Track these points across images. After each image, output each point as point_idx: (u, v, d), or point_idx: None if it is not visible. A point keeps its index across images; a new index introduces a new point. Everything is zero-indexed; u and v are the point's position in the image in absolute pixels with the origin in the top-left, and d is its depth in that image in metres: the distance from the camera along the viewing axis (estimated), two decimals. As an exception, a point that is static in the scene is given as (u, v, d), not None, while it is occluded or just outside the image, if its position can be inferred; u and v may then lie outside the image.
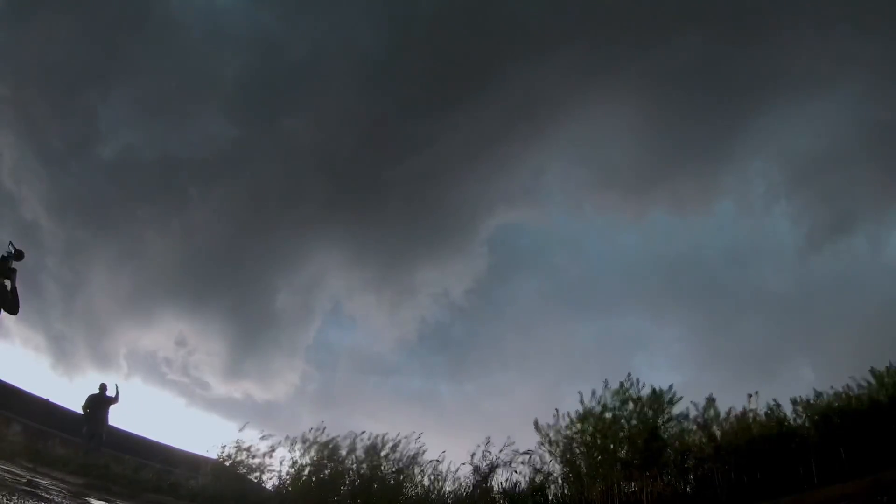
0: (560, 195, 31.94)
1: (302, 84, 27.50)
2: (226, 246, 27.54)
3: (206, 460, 10.41)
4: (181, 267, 27.12)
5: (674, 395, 7.62)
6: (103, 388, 12.17)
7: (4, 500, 4.82)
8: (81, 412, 12.06)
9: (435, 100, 26.61)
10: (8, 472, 7.68)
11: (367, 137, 26.74)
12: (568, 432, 8.07)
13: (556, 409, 8.21)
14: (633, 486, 7.48)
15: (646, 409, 7.66)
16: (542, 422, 8.28)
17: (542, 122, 26.97)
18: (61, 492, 6.97)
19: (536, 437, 8.26)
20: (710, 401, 7.55)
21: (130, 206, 27.03)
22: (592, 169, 29.03)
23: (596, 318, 32.26)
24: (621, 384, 7.94)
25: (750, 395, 7.33)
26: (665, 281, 29.85)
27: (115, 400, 12.14)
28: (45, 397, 15.47)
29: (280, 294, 28.94)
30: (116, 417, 12.96)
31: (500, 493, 8.36)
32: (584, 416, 7.93)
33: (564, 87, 26.14)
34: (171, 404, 30.82)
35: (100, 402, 12.02)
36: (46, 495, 6.24)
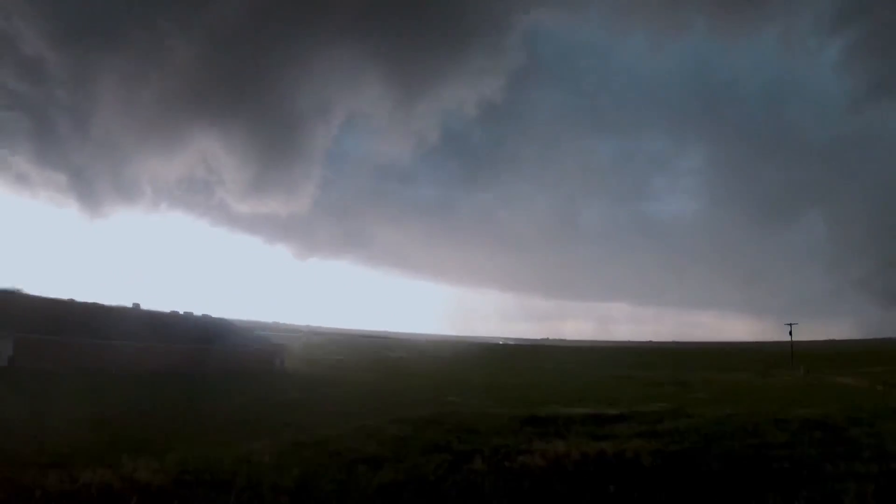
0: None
1: None
2: (249, 49, 24.91)
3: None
4: (201, 77, 24.71)
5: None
6: None
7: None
8: None
9: None
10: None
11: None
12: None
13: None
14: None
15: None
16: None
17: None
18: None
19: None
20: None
21: (142, 20, 23.56)
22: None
23: (618, 137, 31.73)
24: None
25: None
26: (695, 108, 28.85)
27: None
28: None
29: (301, 97, 27.03)
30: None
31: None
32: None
33: None
34: (194, 226, 30.16)
35: None
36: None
